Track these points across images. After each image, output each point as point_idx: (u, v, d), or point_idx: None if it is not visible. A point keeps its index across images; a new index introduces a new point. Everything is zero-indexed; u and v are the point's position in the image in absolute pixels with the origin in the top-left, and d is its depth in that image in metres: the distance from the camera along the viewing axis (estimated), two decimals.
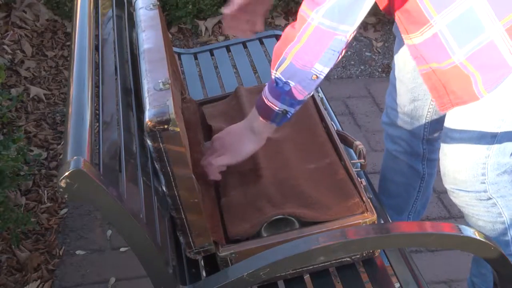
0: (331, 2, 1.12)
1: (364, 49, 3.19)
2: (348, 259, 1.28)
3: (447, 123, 1.39)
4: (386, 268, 1.30)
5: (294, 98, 1.22)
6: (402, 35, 1.34)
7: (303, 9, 1.16)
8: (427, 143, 1.69)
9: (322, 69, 1.18)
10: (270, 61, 1.98)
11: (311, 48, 1.16)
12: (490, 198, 1.41)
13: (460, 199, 1.45)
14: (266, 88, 1.24)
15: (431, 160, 1.75)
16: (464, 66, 1.23)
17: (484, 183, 1.39)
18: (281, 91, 1.21)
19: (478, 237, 1.09)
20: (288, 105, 1.23)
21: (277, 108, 1.23)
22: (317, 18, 1.13)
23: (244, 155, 1.32)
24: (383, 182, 1.85)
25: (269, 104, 1.23)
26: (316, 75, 1.18)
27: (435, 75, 1.28)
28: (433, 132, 1.66)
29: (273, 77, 1.22)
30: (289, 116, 1.25)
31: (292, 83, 1.20)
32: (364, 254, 1.29)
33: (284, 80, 1.20)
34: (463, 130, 1.34)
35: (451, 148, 1.39)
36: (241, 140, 1.31)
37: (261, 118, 1.27)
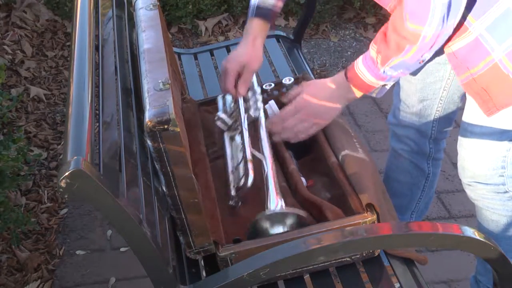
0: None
1: (364, 49, 3.17)
2: (348, 259, 1.28)
3: (467, 118, 1.41)
4: (386, 268, 1.30)
5: (398, 77, 1.32)
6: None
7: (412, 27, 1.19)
8: (433, 142, 1.70)
9: (428, 55, 1.26)
10: (269, 61, 1.99)
11: (426, 47, 1.23)
12: (507, 192, 1.43)
13: (477, 192, 1.46)
14: (366, 71, 1.31)
15: (436, 159, 1.76)
16: (503, 63, 1.24)
17: (502, 176, 1.41)
18: (385, 75, 1.29)
19: (478, 237, 1.09)
20: (392, 82, 1.33)
21: (379, 85, 1.32)
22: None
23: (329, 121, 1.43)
24: (386, 181, 1.85)
25: (369, 83, 1.32)
26: (423, 60, 1.27)
27: (476, 83, 1.30)
28: (441, 131, 1.67)
29: (380, 70, 1.29)
30: (388, 87, 1.36)
31: (400, 71, 1.28)
32: (364, 254, 1.29)
33: (394, 71, 1.28)
34: (484, 124, 1.36)
35: (472, 142, 1.41)
36: (331, 110, 1.40)
37: (356, 90, 1.35)
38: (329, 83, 1.38)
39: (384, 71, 1.29)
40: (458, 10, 1.17)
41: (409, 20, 1.17)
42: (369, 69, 1.30)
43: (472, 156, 1.43)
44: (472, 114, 1.39)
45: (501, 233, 1.49)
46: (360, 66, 1.32)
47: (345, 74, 1.35)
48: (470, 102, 1.38)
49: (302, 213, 1.24)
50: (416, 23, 1.17)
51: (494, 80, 1.27)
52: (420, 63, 1.28)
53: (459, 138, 1.46)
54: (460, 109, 1.67)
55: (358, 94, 1.36)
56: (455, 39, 1.29)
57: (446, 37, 1.23)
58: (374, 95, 1.37)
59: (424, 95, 1.58)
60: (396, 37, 1.21)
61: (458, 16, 1.18)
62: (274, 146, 1.51)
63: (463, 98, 1.61)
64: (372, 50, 1.29)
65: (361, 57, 1.33)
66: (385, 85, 1.34)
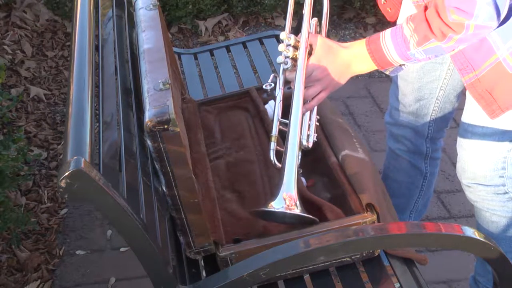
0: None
1: None
2: (348, 259, 1.28)
3: (467, 119, 1.41)
4: (386, 268, 1.30)
5: (422, 61, 1.28)
6: None
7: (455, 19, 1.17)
8: (430, 141, 1.70)
9: (463, 47, 1.24)
10: (269, 61, 1.99)
11: (467, 39, 1.20)
12: (506, 193, 1.43)
13: (477, 194, 1.46)
14: (392, 48, 1.26)
15: (434, 159, 1.76)
16: (507, 62, 1.24)
17: (502, 177, 1.40)
18: (411, 57, 1.25)
19: (478, 237, 1.09)
20: (412, 64, 1.29)
21: (398, 64, 1.28)
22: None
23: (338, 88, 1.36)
24: (384, 181, 1.85)
25: (391, 60, 1.27)
26: (454, 48, 1.24)
27: (480, 84, 1.29)
28: (438, 130, 1.67)
29: (410, 50, 1.24)
30: (403, 68, 1.32)
31: (429, 55, 1.24)
32: (364, 254, 1.29)
33: (424, 55, 1.24)
34: (486, 125, 1.36)
35: (472, 143, 1.41)
36: (343, 76, 1.33)
37: (372, 64, 1.30)
38: (344, 51, 1.31)
39: (413, 53, 1.24)
40: (504, 5, 1.14)
41: (455, 13, 1.14)
42: (397, 47, 1.25)
43: (473, 157, 1.43)
44: (473, 115, 1.38)
45: (501, 234, 1.49)
46: (387, 41, 1.25)
47: (367, 45, 1.29)
48: (471, 102, 1.37)
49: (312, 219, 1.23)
50: (461, 15, 1.14)
51: (498, 80, 1.26)
52: (451, 50, 1.25)
53: (459, 139, 1.45)
54: (456, 109, 1.68)
55: (372, 68, 1.31)
56: None
57: (489, 32, 1.20)
58: (387, 72, 1.33)
59: (421, 95, 1.58)
60: (440, 22, 1.17)
61: (503, 11, 1.15)
62: None
63: (459, 97, 1.61)
64: (407, 28, 1.23)
65: (388, 31, 1.26)
66: (403, 65, 1.30)
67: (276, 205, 1.20)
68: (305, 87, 1.30)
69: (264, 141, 1.55)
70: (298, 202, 1.21)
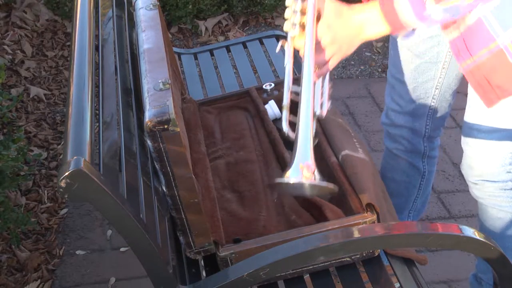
0: None
1: (364, 49, 3.19)
2: (348, 259, 1.28)
3: (472, 117, 1.40)
4: (386, 268, 1.30)
5: (436, 23, 1.22)
6: (443, 30, 1.32)
7: None
8: (427, 140, 1.70)
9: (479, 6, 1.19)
10: (269, 61, 1.99)
11: None
12: None
13: (485, 191, 1.46)
14: (409, 7, 1.17)
15: (431, 158, 1.76)
16: (509, 50, 1.23)
17: (510, 172, 1.41)
18: (427, 17, 1.18)
19: (478, 237, 1.09)
20: (426, 26, 1.22)
21: (413, 27, 1.21)
22: None
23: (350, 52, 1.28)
24: (383, 181, 1.85)
25: (406, 22, 1.19)
26: (472, 8, 1.19)
27: (479, 71, 1.27)
28: (434, 129, 1.67)
29: (427, 10, 1.17)
30: (415, 32, 1.27)
31: (447, 15, 1.18)
32: (364, 254, 1.29)
33: (441, 15, 1.18)
34: (492, 122, 1.35)
35: (479, 142, 1.40)
36: (354, 40, 1.26)
37: (387, 25, 1.22)
38: (355, 14, 1.24)
39: (429, 13, 1.17)
40: None
41: None
42: (414, 5, 1.18)
43: (480, 154, 1.42)
44: (478, 112, 1.38)
45: (506, 231, 1.50)
46: (402, 1, 1.19)
47: (381, 6, 1.21)
48: (474, 99, 1.37)
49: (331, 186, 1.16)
50: None
51: (498, 68, 1.25)
52: (468, 12, 1.20)
53: (464, 138, 1.45)
54: (453, 109, 1.68)
55: (384, 32, 1.23)
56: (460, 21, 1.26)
57: None
58: (399, 38, 1.28)
59: (417, 95, 1.57)
60: None
61: None
62: (274, 146, 1.52)
63: (455, 95, 1.61)
64: None
65: None
66: (415, 29, 1.24)
67: (292, 176, 1.13)
68: (315, 54, 1.23)
69: (264, 141, 1.55)
70: (316, 171, 1.13)
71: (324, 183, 1.14)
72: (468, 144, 1.44)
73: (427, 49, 1.49)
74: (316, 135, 1.27)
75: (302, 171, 1.13)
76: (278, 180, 1.15)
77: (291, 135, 1.23)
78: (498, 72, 1.26)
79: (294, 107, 1.24)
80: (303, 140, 1.16)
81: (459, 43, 1.28)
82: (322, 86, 1.31)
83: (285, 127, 1.26)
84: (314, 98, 1.23)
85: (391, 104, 1.66)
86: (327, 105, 1.29)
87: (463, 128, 1.45)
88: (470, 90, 1.37)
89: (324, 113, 1.28)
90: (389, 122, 1.70)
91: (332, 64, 1.27)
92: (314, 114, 1.23)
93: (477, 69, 1.27)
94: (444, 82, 1.55)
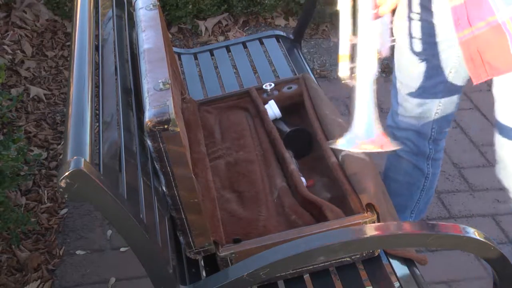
0: None
1: None
2: (348, 259, 1.28)
3: (506, 118, 1.39)
4: (386, 267, 1.30)
5: None
6: None
7: None
8: (433, 143, 1.69)
9: None
10: (270, 61, 1.99)
11: None
12: None
13: None
14: None
15: (436, 160, 1.75)
16: (507, 27, 1.22)
17: None
18: None
19: (478, 237, 1.09)
20: None
21: None
22: None
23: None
24: (385, 181, 1.84)
25: None
26: None
27: (474, 43, 1.27)
28: (440, 131, 1.66)
29: None
30: None
31: None
32: (364, 254, 1.29)
33: None
34: None
35: None
36: None
37: None
38: None
39: None
40: None
41: None
42: None
43: None
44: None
45: None
46: None
47: None
48: (504, 98, 1.36)
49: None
50: None
51: (494, 43, 1.25)
52: None
53: (499, 139, 1.43)
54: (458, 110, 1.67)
55: None
56: None
57: None
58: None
59: (423, 100, 1.57)
60: None
61: None
62: (274, 146, 1.52)
63: (460, 97, 1.61)
64: None
65: None
66: None
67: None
68: None
69: (264, 141, 1.55)
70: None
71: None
72: (503, 147, 1.43)
73: (435, 54, 1.48)
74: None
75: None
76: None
77: (352, 83, 1.26)
78: (492, 48, 1.26)
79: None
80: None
81: (461, 11, 1.27)
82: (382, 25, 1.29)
83: (347, 75, 1.28)
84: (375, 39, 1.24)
85: (397, 108, 1.66)
86: (389, 42, 1.30)
87: (497, 130, 1.43)
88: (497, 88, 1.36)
89: (384, 53, 1.30)
90: (395, 125, 1.70)
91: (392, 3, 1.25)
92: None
93: (473, 41, 1.27)
94: (452, 86, 1.54)
